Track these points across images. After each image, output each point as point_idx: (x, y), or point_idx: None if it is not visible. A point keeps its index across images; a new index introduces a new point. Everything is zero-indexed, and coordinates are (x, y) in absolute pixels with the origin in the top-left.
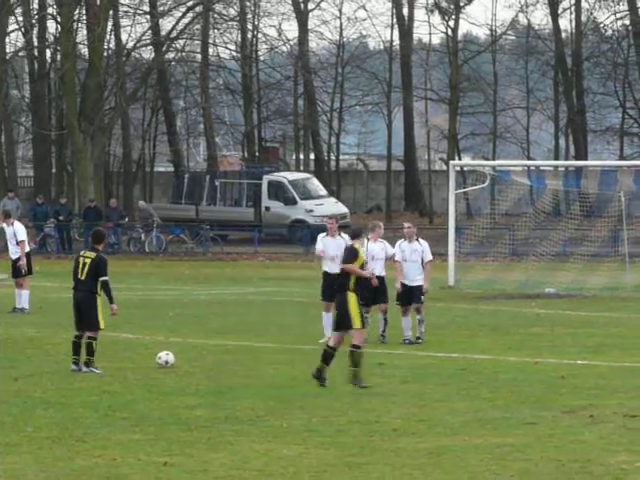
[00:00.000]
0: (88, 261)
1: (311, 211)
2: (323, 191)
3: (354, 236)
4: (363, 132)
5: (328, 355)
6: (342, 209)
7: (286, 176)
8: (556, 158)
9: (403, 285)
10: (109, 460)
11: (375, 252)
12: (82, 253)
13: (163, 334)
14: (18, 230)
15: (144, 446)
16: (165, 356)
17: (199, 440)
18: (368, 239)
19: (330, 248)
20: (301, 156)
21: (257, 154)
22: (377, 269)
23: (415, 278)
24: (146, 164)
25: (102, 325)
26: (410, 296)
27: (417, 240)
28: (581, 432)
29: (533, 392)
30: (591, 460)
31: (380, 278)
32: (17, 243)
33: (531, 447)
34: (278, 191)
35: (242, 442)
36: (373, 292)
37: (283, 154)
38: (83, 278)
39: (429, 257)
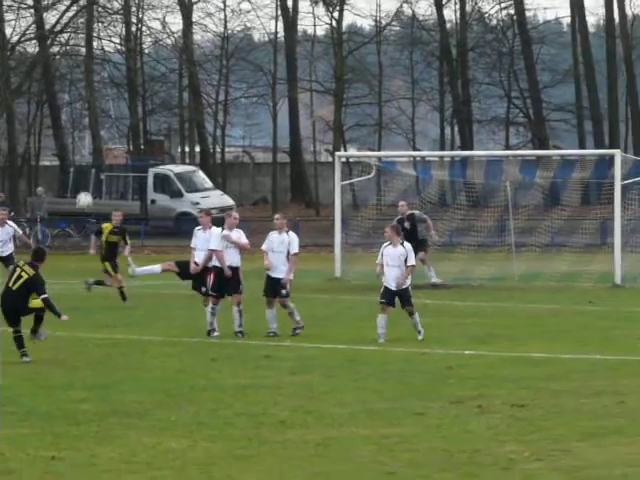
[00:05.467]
0: (25, 276)
1: (197, 204)
2: (209, 184)
3: None
4: (248, 124)
5: None
6: (228, 201)
7: (172, 169)
8: (442, 148)
9: (268, 277)
10: None
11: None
12: (21, 264)
13: (49, 328)
14: None
15: (32, 440)
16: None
17: (87, 434)
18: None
19: (200, 240)
20: (187, 149)
21: (143, 147)
22: (231, 258)
23: (280, 270)
24: (31, 158)
25: (38, 304)
26: (275, 288)
27: (287, 233)
28: (469, 422)
29: (421, 383)
30: (479, 450)
31: (234, 269)
32: None
33: (419, 437)
34: (164, 184)
35: (130, 435)
36: (225, 283)
37: (169, 147)
38: (15, 288)
39: (295, 249)
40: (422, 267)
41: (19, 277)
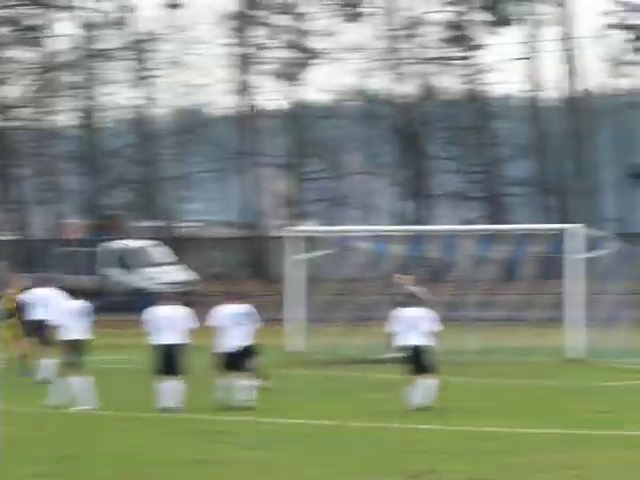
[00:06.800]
0: None
1: (153, 278)
2: (167, 258)
3: None
4: (206, 199)
5: None
6: (186, 276)
7: (128, 244)
8: (399, 223)
9: None
10: None
11: None
12: None
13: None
14: None
15: None
16: None
17: None
18: None
19: None
20: (144, 223)
21: (100, 222)
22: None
23: None
24: None
25: None
26: None
27: None
28: None
29: (378, 457)
30: None
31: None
32: None
33: None
34: (120, 259)
35: None
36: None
37: (126, 222)
38: None
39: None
40: None
41: None
